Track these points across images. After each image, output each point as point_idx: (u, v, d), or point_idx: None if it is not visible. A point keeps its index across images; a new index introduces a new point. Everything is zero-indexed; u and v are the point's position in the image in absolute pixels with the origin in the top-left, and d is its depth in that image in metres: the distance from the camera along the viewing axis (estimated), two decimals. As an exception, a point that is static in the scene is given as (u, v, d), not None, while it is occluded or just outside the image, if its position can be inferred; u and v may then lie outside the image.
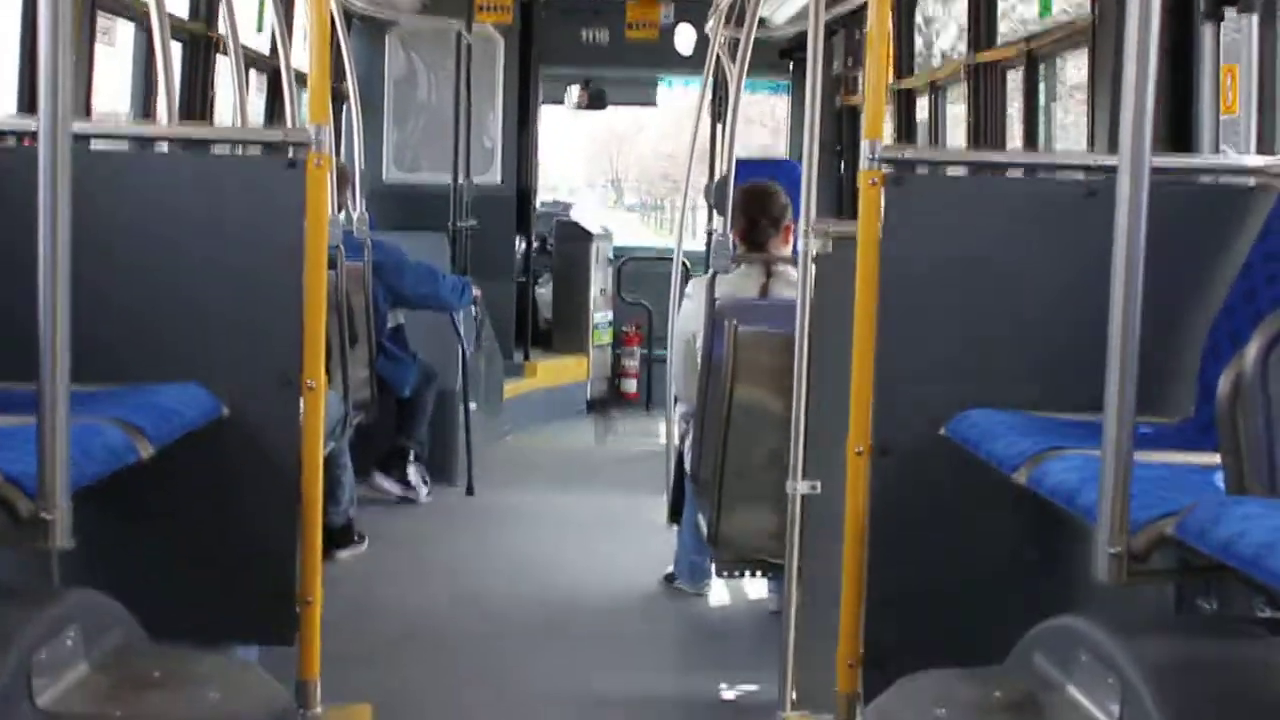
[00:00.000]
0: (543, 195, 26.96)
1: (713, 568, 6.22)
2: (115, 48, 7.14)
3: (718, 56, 9.45)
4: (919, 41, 9.88)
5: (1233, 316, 3.85)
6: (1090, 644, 2.52)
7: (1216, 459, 2.71)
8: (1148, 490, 2.74)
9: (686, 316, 6.78)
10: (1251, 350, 2.55)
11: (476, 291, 9.63)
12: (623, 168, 61.55)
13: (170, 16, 6.03)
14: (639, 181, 60.32)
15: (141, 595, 3.03)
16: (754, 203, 6.66)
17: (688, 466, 6.69)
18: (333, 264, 6.58)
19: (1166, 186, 4.05)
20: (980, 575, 4.06)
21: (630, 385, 14.11)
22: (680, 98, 18.39)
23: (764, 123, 25.04)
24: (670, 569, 7.64)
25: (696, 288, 6.60)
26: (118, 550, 4.00)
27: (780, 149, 15.47)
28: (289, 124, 7.55)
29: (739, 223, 6.64)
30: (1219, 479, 2.77)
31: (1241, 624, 2.77)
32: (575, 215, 16.36)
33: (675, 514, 7.65)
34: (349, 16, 11.04)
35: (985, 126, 7.90)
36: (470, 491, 9.76)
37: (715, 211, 8.92)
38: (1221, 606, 2.92)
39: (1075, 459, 3.13)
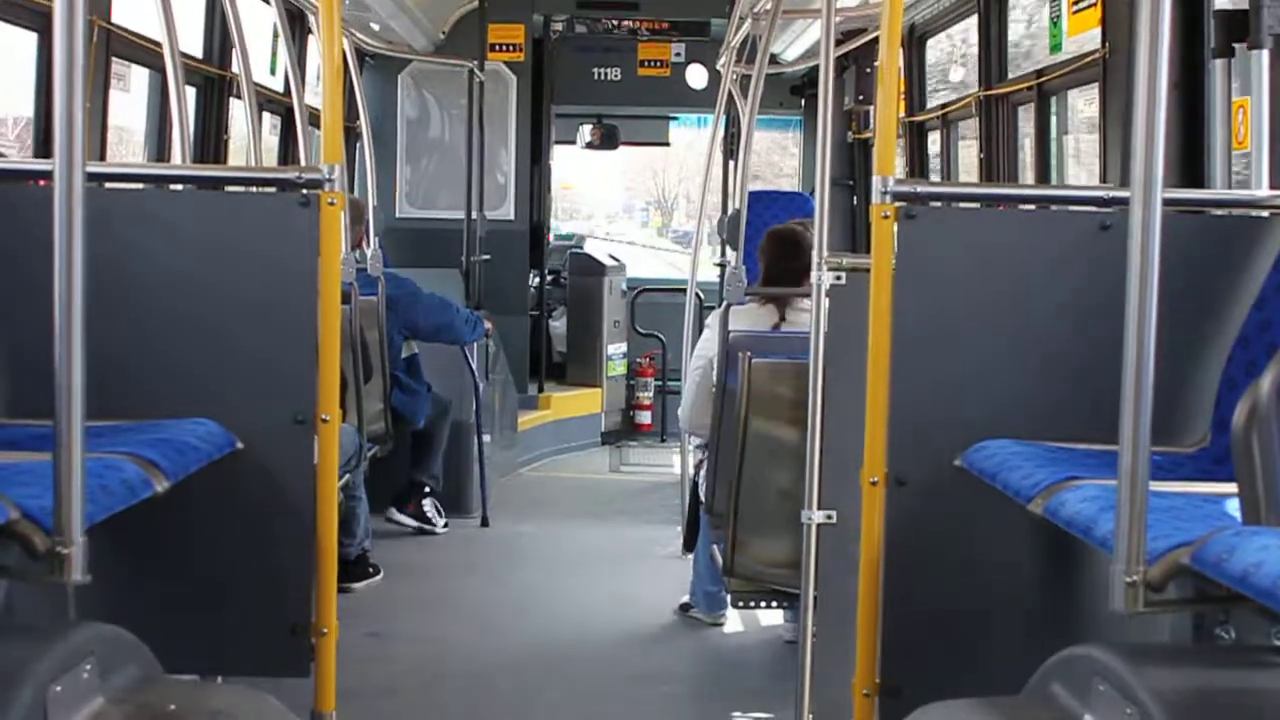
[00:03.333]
0: (575, 226, 26.78)
1: (728, 597, 6.22)
2: (130, 93, 7.20)
3: (729, 93, 9.49)
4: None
5: (1248, 347, 3.85)
6: (1108, 673, 2.51)
7: (1232, 488, 2.71)
8: (1164, 520, 2.74)
9: (706, 344, 6.79)
10: (1267, 380, 2.55)
11: (488, 325, 9.66)
12: (670, 186, 49.36)
13: (184, 56, 6.07)
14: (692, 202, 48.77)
15: (157, 628, 3.03)
16: (781, 257, 6.68)
17: (702, 496, 6.70)
18: (346, 299, 6.61)
19: (1179, 219, 4.08)
20: (997, 605, 4.05)
21: (644, 416, 14.12)
22: (693, 137, 18.41)
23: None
24: (686, 599, 7.65)
25: (715, 319, 6.63)
26: (133, 584, 4.01)
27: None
28: (303, 163, 7.59)
29: (763, 266, 6.68)
30: (1235, 508, 2.77)
31: (1259, 654, 2.76)
32: (590, 248, 16.37)
33: (690, 543, 7.66)
34: (362, 56, 11.11)
35: (997, 160, 7.92)
36: (485, 523, 9.77)
37: (728, 245, 8.93)
38: (1239, 636, 2.90)
39: (1091, 489, 3.12)
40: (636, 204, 52.01)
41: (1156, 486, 2.65)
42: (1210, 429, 3.90)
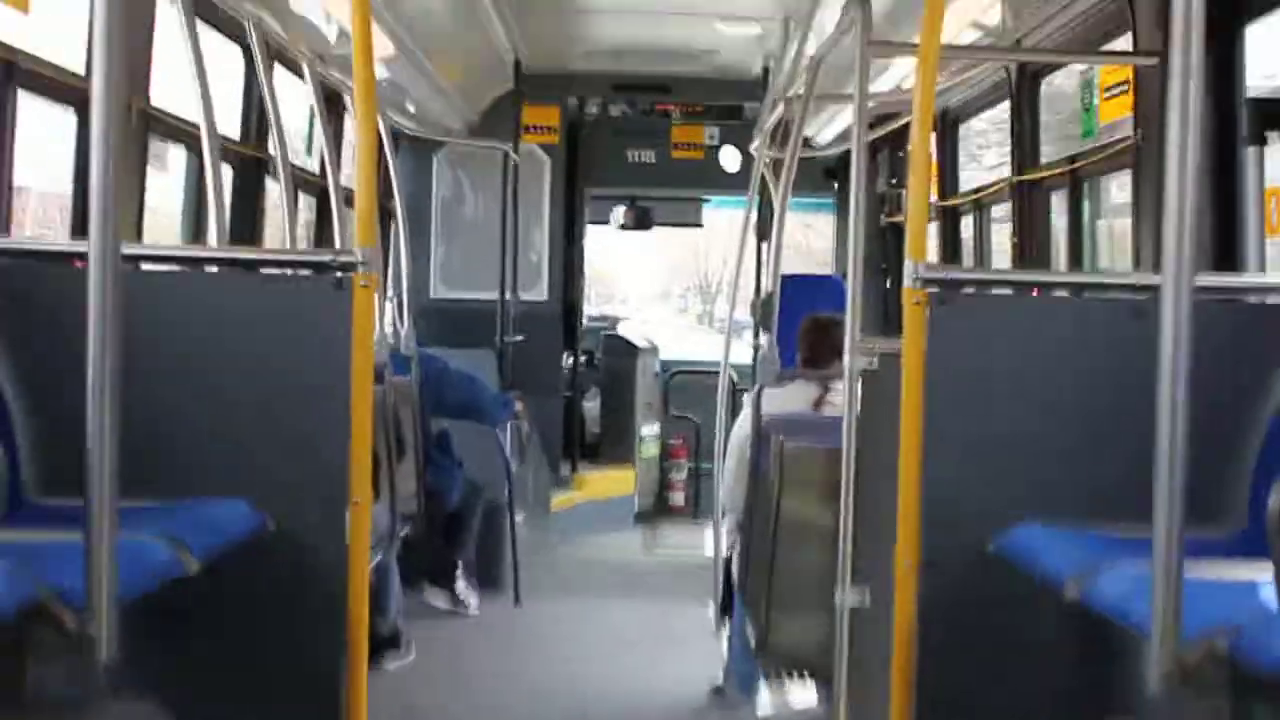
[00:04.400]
0: (611, 310, 26.67)
1: (762, 676, 6.17)
2: (168, 171, 7.26)
3: (763, 176, 9.52)
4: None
5: (1282, 431, 3.84)
6: (1141, 762, 2.49)
7: (1269, 573, 2.69)
8: (1200, 605, 2.71)
9: (744, 424, 6.78)
10: (1300, 465, 2.54)
11: (519, 405, 9.66)
12: (714, 269, 44.78)
13: (221, 138, 6.13)
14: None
15: (187, 708, 3.04)
16: (819, 334, 6.71)
17: (735, 577, 6.67)
18: (379, 378, 6.63)
19: (1213, 305, 4.07)
20: (1031, 690, 4.02)
21: (678, 498, 14.07)
22: (737, 216, 18.38)
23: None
24: (719, 680, 7.59)
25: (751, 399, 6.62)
26: (163, 664, 4.00)
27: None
28: (337, 243, 7.63)
29: (802, 350, 6.69)
30: (1272, 593, 2.74)
31: (1297, 743, 2.72)
32: (624, 330, 16.39)
33: (726, 607, 7.61)
34: (396, 138, 11.19)
35: (1030, 245, 7.92)
36: (517, 602, 9.73)
37: (761, 328, 8.93)
38: (1277, 724, 2.87)
39: (1125, 573, 3.10)
40: (674, 289, 49.31)
41: (1192, 570, 2.63)
42: (1247, 512, 3.88)
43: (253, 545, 3.86)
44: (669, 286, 49.68)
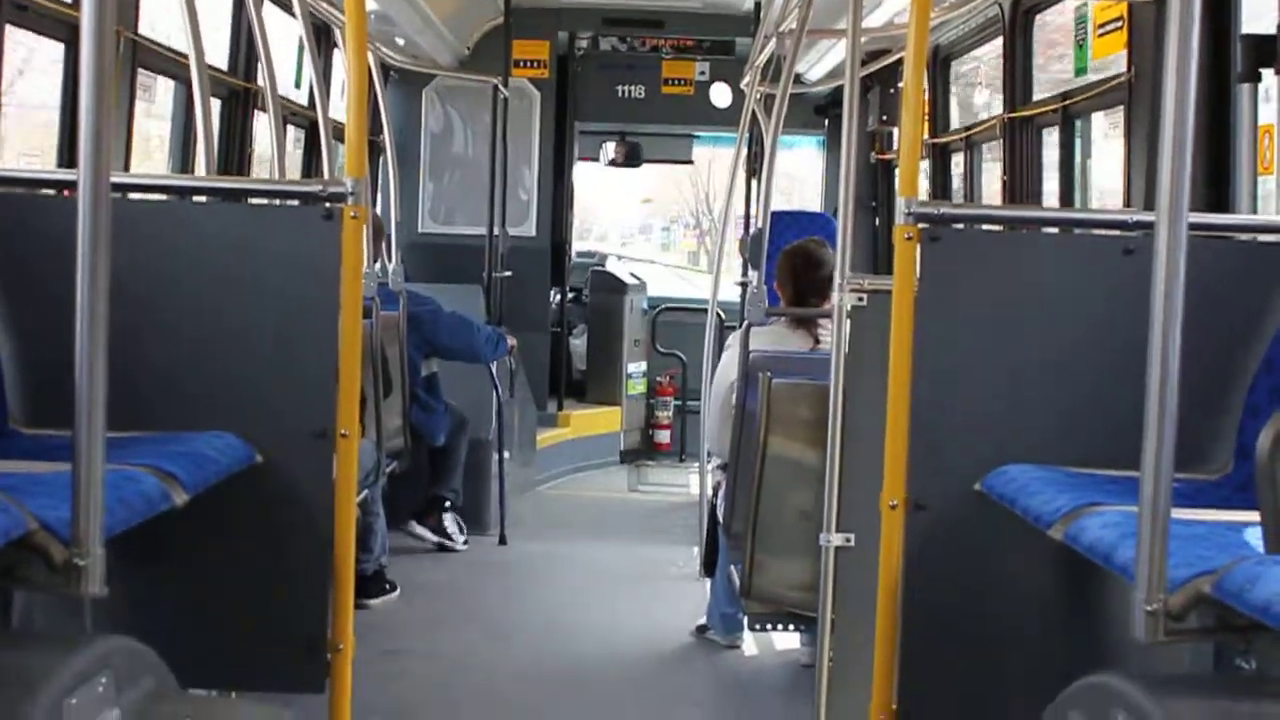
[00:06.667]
0: (592, 246, 26.43)
1: (745, 620, 6.19)
2: (155, 104, 7.22)
3: (753, 112, 9.48)
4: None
5: (1272, 373, 3.83)
6: (1126, 702, 2.50)
7: (1255, 516, 2.69)
8: (1185, 548, 2.72)
9: (726, 367, 6.75)
10: (1290, 407, 2.54)
11: (512, 341, 9.65)
12: (713, 192, 36.97)
13: (210, 68, 6.08)
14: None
15: (173, 642, 3.03)
16: (803, 271, 6.58)
17: (720, 518, 6.67)
18: (367, 314, 6.62)
19: (1204, 243, 4.06)
20: (1015, 631, 4.03)
21: (663, 436, 14.11)
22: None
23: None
24: (702, 620, 7.62)
25: (736, 339, 6.55)
26: (150, 596, 4.00)
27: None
28: (326, 176, 7.60)
29: (787, 287, 6.60)
30: (1257, 537, 2.75)
31: (1280, 684, 2.73)
32: (612, 266, 16.37)
33: (710, 566, 7.62)
34: (386, 70, 11.13)
35: (1021, 183, 7.90)
36: (503, 541, 9.76)
37: (750, 264, 8.91)
38: (1261, 666, 2.88)
39: (1112, 515, 3.10)
40: (656, 222, 46.25)
41: (1178, 513, 2.64)
42: (1233, 456, 3.88)
43: (239, 479, 3.84)
44: (648, 221, 46.76)
